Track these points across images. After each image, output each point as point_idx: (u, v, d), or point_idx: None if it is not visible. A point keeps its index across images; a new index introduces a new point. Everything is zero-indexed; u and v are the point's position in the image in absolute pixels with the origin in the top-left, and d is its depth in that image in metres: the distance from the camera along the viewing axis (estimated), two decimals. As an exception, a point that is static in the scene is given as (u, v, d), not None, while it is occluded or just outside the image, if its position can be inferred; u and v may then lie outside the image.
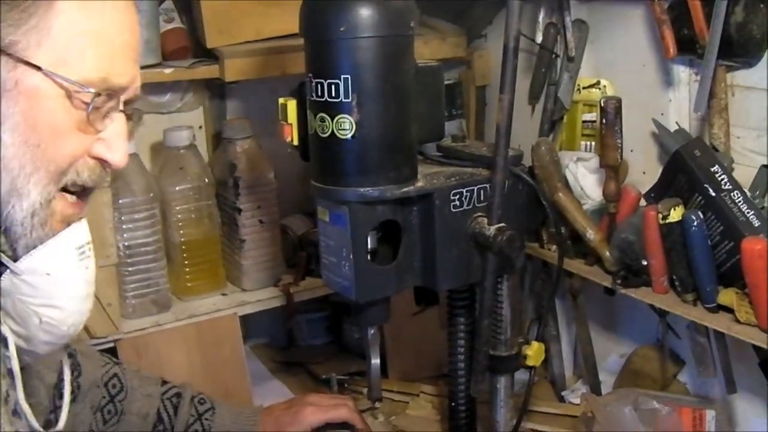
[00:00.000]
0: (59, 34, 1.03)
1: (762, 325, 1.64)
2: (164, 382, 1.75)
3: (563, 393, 2.28)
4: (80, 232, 1.15)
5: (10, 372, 1.12)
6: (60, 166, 1.08)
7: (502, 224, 1.60)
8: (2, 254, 1.07)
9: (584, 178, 2.02)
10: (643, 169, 2.03)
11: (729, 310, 1.71)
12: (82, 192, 1.15)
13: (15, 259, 1.08)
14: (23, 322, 1.11)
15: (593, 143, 2.12)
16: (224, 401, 1.84)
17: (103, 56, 1.08)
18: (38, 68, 1.02)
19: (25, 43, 1.02)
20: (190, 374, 2.10)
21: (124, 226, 2.11)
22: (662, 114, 1.98)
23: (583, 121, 2.17)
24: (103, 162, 1.14)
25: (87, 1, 1.06)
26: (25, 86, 1.02)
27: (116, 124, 1.14)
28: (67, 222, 1.13)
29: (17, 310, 1.10)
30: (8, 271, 1.08)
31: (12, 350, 1.11)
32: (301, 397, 1.92)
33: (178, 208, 2.22)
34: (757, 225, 1.67)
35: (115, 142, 1.14)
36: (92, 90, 1.06)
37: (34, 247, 1.09)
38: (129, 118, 1.18)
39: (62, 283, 1.13)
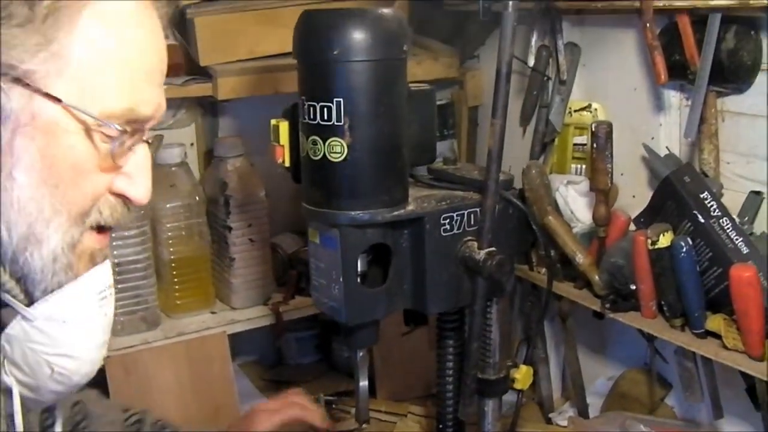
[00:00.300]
0: (81, 61, 0.92)
1: (749, 352, 1.64)
2: (126, 409, 1.68)
3: (551, 415, 2.29)
4: (102, 274, 1.03)
5: (12, 423, 1.02)
6: (82, 208, 0.97)
7: (492, 248, 1.60)
8: (14, 299, 0.96)
9: (574, 201, 2.02)
10: (633, 192, 2.04)
11: (717, 336, 1.71)
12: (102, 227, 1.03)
13: (29, 304, 0.97)
14: (32, 372, 1.00)
15: (584, 166, 2.13)
16: (184, 427, 1.79)
17: (129, 84, 0.97)
18: (58, 100, 0.90)
19: (43, 72, 0.90)
20: (179, 392, 2.10)
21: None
22: (653, 138, 1.99)
23: (574, 144, 2.18)
24: (125, 199, 1.03)
25: (110, 20, 0.94)
26: (43, 120, 0.90)
27: (138, 155, 1.03)
28: (93, 261, 1.02)
29: (27, 359, 0.99)
30: (20, 317, 0.97)
31: (16, 404, 1.01)
32: (252, 407, 1.84)
33: (168, 225, 2.22)
34: (745, 252, 1.68)
35: (137, 176, 1.02)
36: (117, 126, 0.95)
37: (52, 291, 0.97)
38: (149, 144, 1.07)
39: (79, 331, 1.02)
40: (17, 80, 0.89)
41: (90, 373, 1.05)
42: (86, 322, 1.02)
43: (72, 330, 1.01)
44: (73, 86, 0.91)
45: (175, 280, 2.25)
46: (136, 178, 1.02)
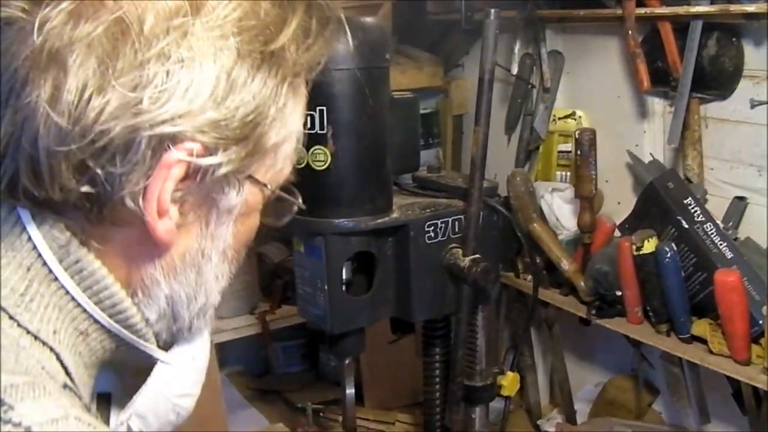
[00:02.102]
0: (282, 155, 0.90)
1: (735, 356, 1.65)
2: None
3: (539, 422, 2.29)
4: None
5: None
6: (239, 262, 0.97)
7: (477, 255, 1.61)
8: (152, 347, 0.95)
9: (559, 208, 2.03)
10: (618, 199, 2.04)
11: (702, 340, 1.72)
12: None
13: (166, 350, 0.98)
14: (156, 419, 0.98)
15: (569, 173, 2.14)
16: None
17: (294, 155, 0.94)
18: (265, 185, 0.89)
19: (267, 164, 0.88)
20: (165, 403, 2.09)
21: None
22: (637, 145, 2.00)
23: (559, 152, 2.19)
24: None
25: (299, 98, 0.90)
26: (250, 206, 0.89)
27: None
28: None
29: (157, 407, 0.98)
30: (159, 363, 0.96)
31: None
32: None
33: (154, 236, 2.21)
34: (729, 257, 1.68)
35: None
36: (301, 203, 0.96)
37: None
38: None
39: (200, 367, 1.02)
40: (247, 178, 0.87)
41: (192, 409, 1.04)
42: (204, 358, 1.03)
43: (197, 366, 1.02)
44: (270, 170, 0.89)
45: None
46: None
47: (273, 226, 0.98)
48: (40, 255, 0.84)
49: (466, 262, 1.60)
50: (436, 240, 1.63)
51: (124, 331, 0.89)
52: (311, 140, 1.51)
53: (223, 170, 0.82)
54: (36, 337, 0.82)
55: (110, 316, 0.87)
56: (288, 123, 0.88)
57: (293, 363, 2.62)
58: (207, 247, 0.90)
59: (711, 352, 1.69)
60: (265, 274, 2.41)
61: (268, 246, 2.46)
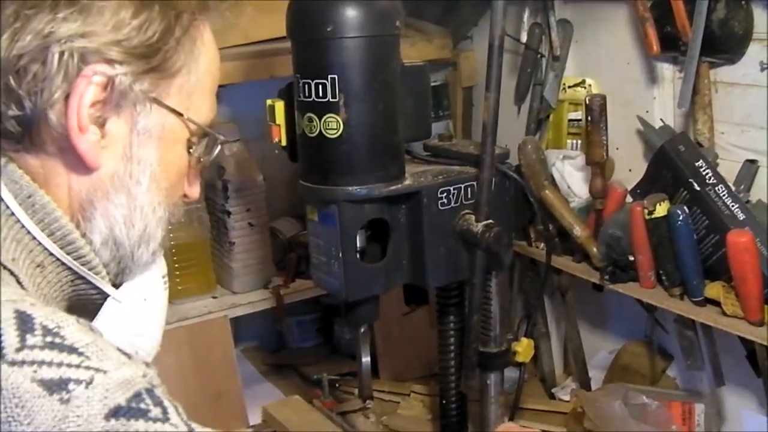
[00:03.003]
0: (195, 81, 1.03)
1: (749, 318, 1.66)
2: None
3: (553, 390, 2.30)
4: (163, 262, 1.15)
5: None
6: (177, 204, 1.09)
7: (490, 221, 1.62)
8: (106, 285, 1.05)
9: (571, 176, 2.03)
10: (629, 166, 2.05)
11: (716, 303, 1.73)
12: None
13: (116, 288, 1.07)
14: None
15: (579, 141, 2.14)
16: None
17: (211, 96, 1.08)
18: (180, 114, 1.02)
19: (174, 92, 1.01)
20: (181, 377, 2.11)
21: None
22: (647, 111, 2.00)
23: (569, 120, 2.19)
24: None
25: (208, 41, 1.05)
26: (167, 132, 1.01)
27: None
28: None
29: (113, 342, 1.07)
30: (110, 301, 1.06)
31: None
32: None
33: (167, 212, 2.22)
34: (741, 218, 1.69)
35: (196, 177, 1.13)
36: (221, 135, 1.09)
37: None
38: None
39: (153, 309, 1.13)
40: (154, 100, 0.99)
41: (154, 353, 1.15)
42: (157, 301, 1.14)
43: (149, 308, 1.12)
44: (186, 102, 1.03)
45: (176, 266, 2.25)
46: (195, 180, 1.13)
47: (203, 163, 1.10)
48: None
49: (479, 227, 1.61)
50: (449, 207, 1.64)
51: (77, 263, 0.98)
52: (323, 108, 1.53)
53: (131, 86, 0.95)
54: None
55: (62, 248, 0.96)
56: (194, 57, 1.02)
57: (308, 337, 2.63)
58: (134, 171, 0.99)
59: (724, 314, 1.70)
60: (278, 249, 2.41)
61: (280, 221, 2.47)
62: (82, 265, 0.98)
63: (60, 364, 0.80)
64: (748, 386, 1.90)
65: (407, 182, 1.61)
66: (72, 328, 0.83)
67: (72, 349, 0.81)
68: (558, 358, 2.37)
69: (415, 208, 1.63)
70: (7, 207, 0.93)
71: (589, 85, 2.14)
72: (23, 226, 0.94)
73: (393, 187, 1.58)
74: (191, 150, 1.06)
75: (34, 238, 0.94)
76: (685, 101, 1.85)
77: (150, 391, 0.82)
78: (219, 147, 1.11)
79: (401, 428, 2.17)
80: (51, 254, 0.95)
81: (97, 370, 0.80)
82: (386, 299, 1.78)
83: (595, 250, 1.92)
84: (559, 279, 2.17)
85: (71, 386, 0.78)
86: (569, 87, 2.19)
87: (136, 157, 0.99)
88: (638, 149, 2.04)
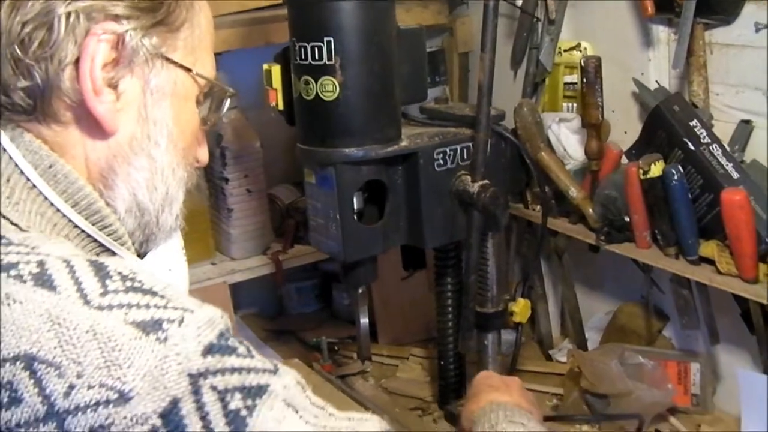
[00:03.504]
0: (198, 35, 1.03)
1: (743, 275, 1.67)
2: None
3: (550, 352, 2.31)
4: (179, 232, 1.12)
5: None
6: (193, 167, 1.08)
7: (486, 181, 1.63)
8: (132, 255, 1.02)
9: (567, 138, 2.04)
10: (625, 128, 2.05)
11: (710, 262, 1.74)
12: None
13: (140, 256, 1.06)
14: None
15: (575, 104, 2.15)
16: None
17: (211, 52, 1.07)
18: (188, 70, 1.01)
19: (180, 47, 1.01)
20: (183, 342, 2.12)
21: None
22: (642, 74, 2.01)
23: (565, 83, 2.19)
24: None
25: (204, 2, 1.05)
26: (178, 89, 1.01)
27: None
28: None
29: None
30: None
31: None
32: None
33: (165, 179, 2.23)
34: (736, 177, 1.70)
35: (204, 140, 1.12)
36: (231, 89, 1.09)
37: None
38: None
39: (179, 279, 1.14)
40: (163, 56, 0.98)
41: None
42: (181, 271, 1.16)
43: (174, 279, 1.12)
44: (191, 57, 1.02)
45: (177, 232, 2.27)
46: (203, 142, 1.11)
47: (214, 120, 1.10)
48: (16, 165, 0.91)
49: (475, 187, 1.62)
50: (446, 167, 1.66)
51: (102, 234, 0.95)
52: (319, 71, 1.54)
53: (141, 41, 0.94)
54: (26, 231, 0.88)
55: (87, 218, 0.94)
56: (195, 11, 1.02)
57: (307, 303, 2.65)
58: (152, 132, 0.99)
59: (719, 272, 1.71)
60: (277, 215, 2.43)
61: (278, 188, 2.48)
62: (108, 235, 0.97)
63: (148, 306, 0.80)
64: (742, 344, 1.91)
65: (404, 144, 1.63)
66: (145, 274, 0.84)
67: (153, 293, 0.82)
68: (555, 321, 2.39)
69: (411, 170, 1.65)
70: (28, 179, 0.91)
71: (585, 49, 2.15)
72: (46, 199, 0.92)
73: (390, 149, 1.60)
74: (200, 106, 1.06)
75: (58, 210, 0.93)
76: (680, 62, 1.86)
77: (230, 330, 0.83)
78: (228, 101, 1.11)
79: (400, 391, 2.18)
80: (76, 226, 0.94)
81: (185, 309, 0.81)
82: (385, 264, 1.80)
83: (590, 211, 1.93)
84: (555, 241, 2.18)
85: (165, 326, 0.79)
86: (565, 50, 2.19)
87: (152, 118, 0.98)
88: (634, 111, 2.05)
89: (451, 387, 2.01)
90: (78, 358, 0.76)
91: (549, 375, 2.21)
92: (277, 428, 0.80)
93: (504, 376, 1.41)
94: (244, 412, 0.78)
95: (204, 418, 0.77)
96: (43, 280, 0.80)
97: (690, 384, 2.00)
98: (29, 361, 0.76)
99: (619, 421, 1.90)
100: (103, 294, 0.80)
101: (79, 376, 0.76)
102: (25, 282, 0.80)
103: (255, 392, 0.80)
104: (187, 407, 0.77)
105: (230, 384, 0.79)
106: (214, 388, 0.78)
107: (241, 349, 0.82)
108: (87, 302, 0.79)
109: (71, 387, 0.76)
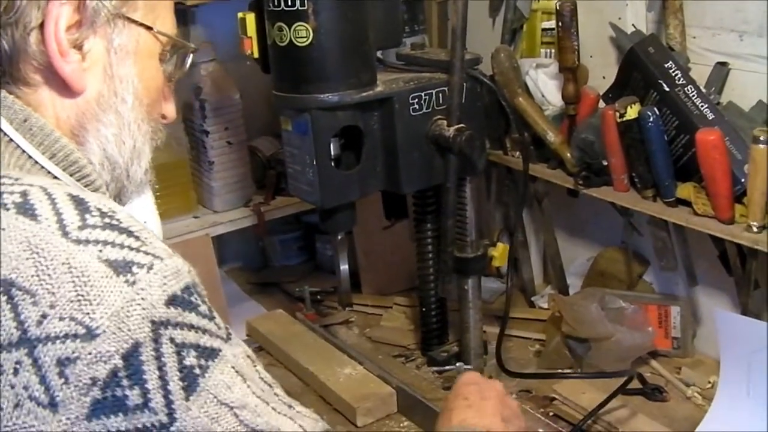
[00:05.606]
0: None
1: (719, 216, 1.68)
2: None
3: (533, 298, 2.33)
4: (150, 189, 1.19)
5: None
6: (159, 123, 1.11)
7: (462, 125, 1.63)
8: None
9: (544, 84, 2.04)
10: (603, 73, 2.05)
11: (687, 203, 1.75)
12: None
13: None
14: None
15: (553, 51, 2.14)
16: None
17: (172, 11, 1.10)
18: (149, 28, 1.04)
19: (140, 6, 1.03)
20: (166, 294, 2.13)
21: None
22: (619, 18, 2.00)
23: (543, 29, 2.19)
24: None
25: None
26: (141, 47, 1.04)
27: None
28: None
29: None
30: None
31: None
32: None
33: (144, 132, 2.23)
34: (711, 118, 1.70)
35: (170, 96, 1.15)
36: (192, 45, 1.13)
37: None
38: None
39: (153, 231, 1.14)
40: (124, 16, 1.01)
41: None
42: (155, 225, 1.25)
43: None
44: (151, 15, 1.05)
45: (156, 187, 2.24)
46: (170, 97, 1.15)
47: (179, 75, 1.14)
48: None
49: (450, 131, 1.63)
50: (421, 112, 1.66)
51: (80, 185, 0.99)
52: (292, 17, 1.54)
53: (101, 4, 0.97)
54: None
55: (64, 169, 0.98)
56: None
57: (291, 255, 2.66)
58: (118, 89, 1.03)
59: (696, 213, 1.72)
60: (258, 167, 2.43)
61: (259, 140, 2.48)
62: (86, 186, 1.00)
63: (122, 246, 0.83)
64: (720, 286, 1.93)
65: (379, 89, 1.63)
66: (123, 213, 0.87)
67: (129, 232, 0.85)
68: (537, 268, 2.40)
69: (387, 115, 1.65)
70: (5, 134, 0.95)
71: (562, -6, 2.14)
72: (24, 152, 0.95)
73: (364, 94, 1.60)
74: (165, 63, 1.09)
75: (36, 162, 0.96)
76: (655, 5, 1.86)
77: (196, 286, 0.86)
78: (190, 57, 1.14)
79: (383, 339, 2.19)
80: (55, 178, 0.96)
81: (154, 255, 0.84)
82: (366, 214, 1.80)
83: (569, 155, 1.94)
84: (534, 186, 2.18)
85: (135, 269, 0.82)
86: (542, -3, 2.19)
87: (118, 75, 1.02)
88: (612, 56, 2.05)
89: (433, 333, 2.03)
90: (52, 288, 0.80)
91: (532, 321, 2.22)
92: (226, 392, 0.84)
93: (485, 385, 1.35)
94: (197, 371, 0.82)
95: (161, 368, 0.80)
96: (25, 208, 0.84)
97: (670, 327, 2.02)
98: (8, 287, 0.80)
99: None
100: (82, 227, 0.83)
101: (52, 307, 0.79)
102: (8, 210, 0.83)
103: (208, 354, 0.84)
104: (147, 353, 0.80)
105: (187, 340, 0.83)
106: (172, 339, 0.81)
107: (203, 308, 0.85)
108: (65, 234, 0.82)
109: (44, 316, 0.79)
